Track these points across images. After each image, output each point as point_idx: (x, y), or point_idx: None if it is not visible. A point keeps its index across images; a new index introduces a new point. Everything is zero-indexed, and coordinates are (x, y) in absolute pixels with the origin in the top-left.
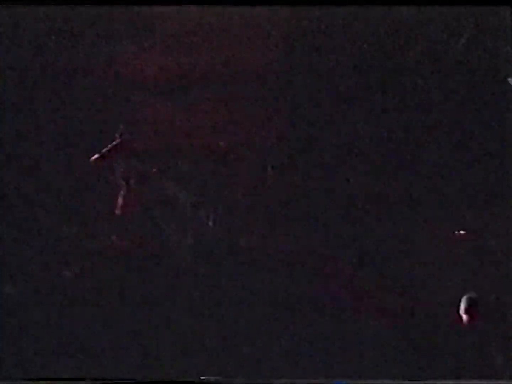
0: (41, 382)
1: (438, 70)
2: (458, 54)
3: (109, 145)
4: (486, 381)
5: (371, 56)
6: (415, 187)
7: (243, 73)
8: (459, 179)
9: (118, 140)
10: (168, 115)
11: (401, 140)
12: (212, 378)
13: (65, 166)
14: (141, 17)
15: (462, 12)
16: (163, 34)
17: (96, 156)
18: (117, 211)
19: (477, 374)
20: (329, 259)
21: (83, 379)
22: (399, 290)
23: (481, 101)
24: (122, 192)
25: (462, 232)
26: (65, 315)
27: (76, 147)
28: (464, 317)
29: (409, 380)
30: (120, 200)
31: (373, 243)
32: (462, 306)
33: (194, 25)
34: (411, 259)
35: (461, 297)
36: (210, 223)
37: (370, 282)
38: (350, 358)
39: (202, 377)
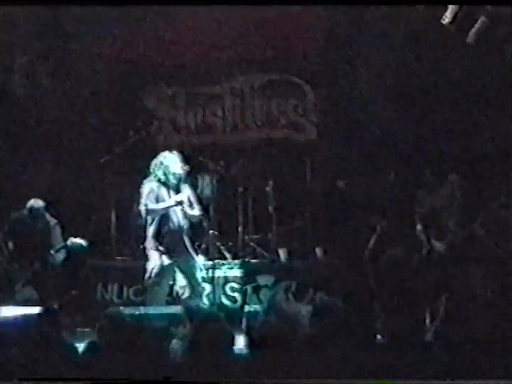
0: (41, 382)
1: (438, 70)
2: (458, 54)
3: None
4: (486, 381)
5: (370, 56)
6: None
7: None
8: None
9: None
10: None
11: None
12: (212, 378)
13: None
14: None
15: (462, 12)
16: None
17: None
18: None
19: (477, 374)
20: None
21: (83, 379)
22: (399, 291)
23: (482, 100)
24: None
25: None
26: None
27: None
28: None
29: (410, 380)
30: None
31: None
32: None
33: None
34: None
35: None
36: None
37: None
38: (351, 358)
39: (201, 378)
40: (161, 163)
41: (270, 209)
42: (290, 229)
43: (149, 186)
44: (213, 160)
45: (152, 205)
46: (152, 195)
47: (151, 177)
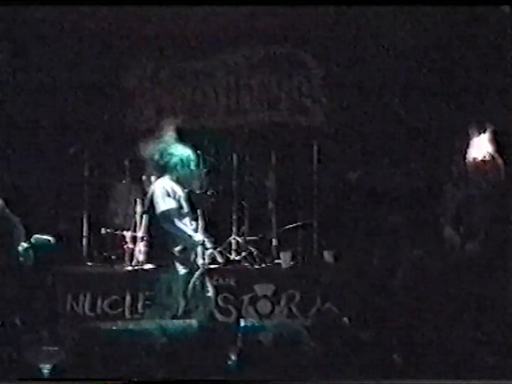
0: (41, 382)
1: (438, 69)
2: (459, 53)
3: None
4: (486, 381)
5: (370, 56)
6: None
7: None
8: None
9: None
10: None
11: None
12: (212, 378)
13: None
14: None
15: (462, 12)
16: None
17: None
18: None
19: (478, 374)
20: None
21: (83, 379)
22: (399, 292)
23: (481, 99)
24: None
25: None
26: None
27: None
28: None
29: (410, 379)
30: None
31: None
32: None
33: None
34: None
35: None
36: None
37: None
38: (351, 358)
39: (200, 377)
40: (181, 160)
41: (270, 205)
42: (293, 229)
43: (161, 186)
44: (203, 149)
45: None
46: (166, 195)
47: (167, 176)
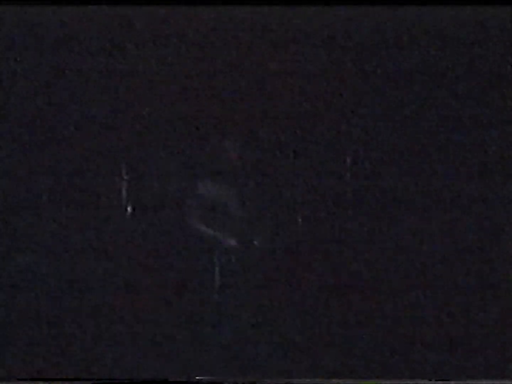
0: (41, 382)
1: (438, 69)
2: (459, 53)
3: None
4: (486, 381)
5: (371, 56)
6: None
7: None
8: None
9: None
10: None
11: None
12: (208, 378)
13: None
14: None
15: (462, 12)
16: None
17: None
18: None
19: (477, 374)
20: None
21: (83, 379)
22: (400, 291)
23: (481, 99)
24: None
25: None
26: (66, 316)
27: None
28: None
29: (410, 380)
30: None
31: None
32: None
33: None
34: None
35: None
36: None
37: (371, 283)
38: (351, 358)
39: (197, 377)
40: None
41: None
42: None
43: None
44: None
45: None
46: None
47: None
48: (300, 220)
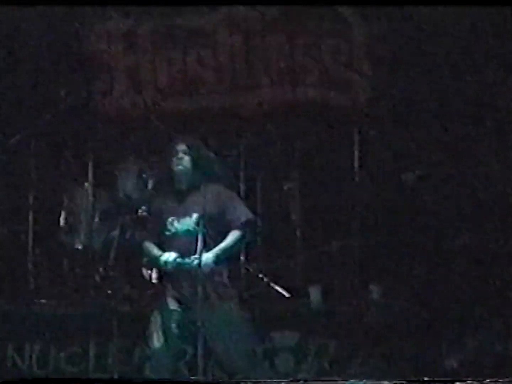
0: (41, 382)
1: (438, 69)
2: (459, 53)
3: None
4: (486, 381)
5: (371, 56)
6: None
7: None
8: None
9: None
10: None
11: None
12: (208, 378)
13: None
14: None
15: (462, 12)
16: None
17: None
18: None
19: (477, 374)
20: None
21: (84, 379)
22: (399, 292)
23: (481, 100)
24: None
25: None
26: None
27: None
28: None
29: (408, 380)
30: None
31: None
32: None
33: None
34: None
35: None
36: None
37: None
38: (351, 358)
39: (194, 377)
40: None
41: (294, 218)
42: (325, 252)
43: None
44: (197, 138)
45: None
46: None
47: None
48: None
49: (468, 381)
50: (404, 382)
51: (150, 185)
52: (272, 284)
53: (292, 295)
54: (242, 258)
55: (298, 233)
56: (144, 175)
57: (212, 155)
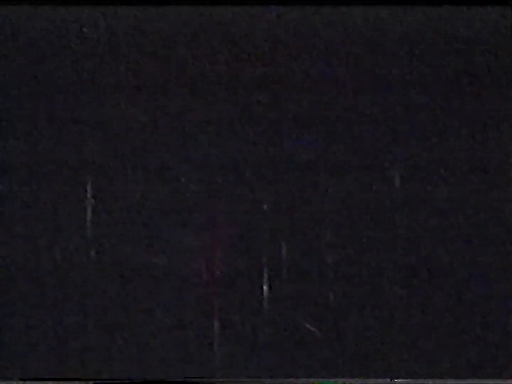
0: (41, 382)
1: (439, 69)
2: (458, 54)
3: None
4: (486, 380)
5: (370, 57)
6: None
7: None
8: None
9: None
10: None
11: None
12: (211, 379)
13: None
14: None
15: (462, 12)
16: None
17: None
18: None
19: (477, 374)
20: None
21: (83, 379)
22: (399, 291)
23: (481, 100)
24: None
25: None
26: (64, 316)
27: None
28: None
29: (409, 379)
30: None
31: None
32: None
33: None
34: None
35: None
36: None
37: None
38: (351, 358)
39: (198, 377)
40: None
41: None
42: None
43: None
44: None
45: None
46: None
47: None
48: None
49: (468, 381)
50: (403, 381)
51: None
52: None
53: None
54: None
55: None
56: None
57: None
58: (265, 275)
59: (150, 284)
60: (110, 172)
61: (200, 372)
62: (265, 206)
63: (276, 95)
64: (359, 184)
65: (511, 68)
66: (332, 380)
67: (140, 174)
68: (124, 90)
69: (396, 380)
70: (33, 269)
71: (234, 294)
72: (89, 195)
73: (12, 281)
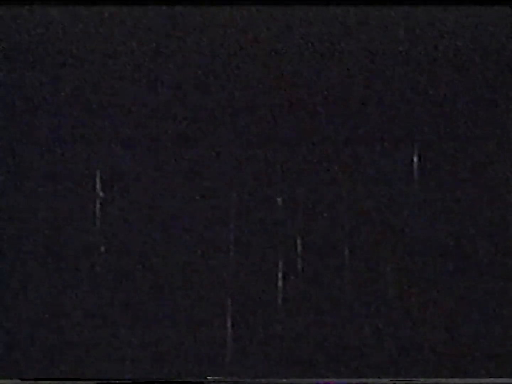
0: (41, 382)
1: (438, 69)
2: (458, 54)
3: None
4: (486, 380)
5: (368, 56)
6: None
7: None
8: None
9: None
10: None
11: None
12: (215, 378)
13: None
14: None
15: (462, 12)
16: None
17: None
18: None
19: (477, 374)
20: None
21: (83, 379)
22: (399, 291)
23: (481, 100)
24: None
25: None
26: (64, 316)
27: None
28: None
29: (409, 379)
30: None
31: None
32: None
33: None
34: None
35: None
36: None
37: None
38: (350, 358)
39: (208, 377)
40: None
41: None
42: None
43: None
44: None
45: None
46: None
47: None
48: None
49: (468, 381)
50: (402, 381)
51: None
52: None
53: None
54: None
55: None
56: None
57: None
58: (280, 273)
59: (159, 280)
60: (119, 165)
61: (210, 371)
62: (279, 201)
63: (288, 96)
64: (374, 183)
65: (511, 68)
66: (332, 380)
67: (151, 167)
68: (131, 83)
69: (396, 380)
70: (33, 268)
71: (247, 293)
72: (98, 189)
73: (12, 279)
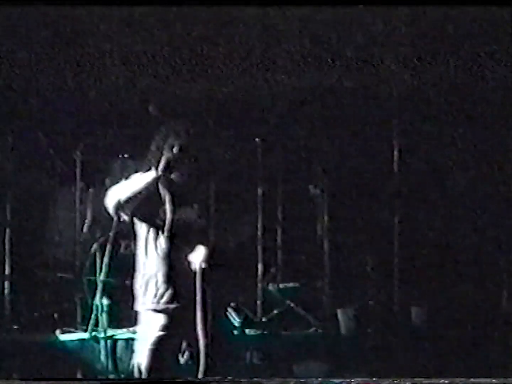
0: (40, 382)
1: (439, 68)
2: (458, 53)
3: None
4: (486, 380)
5: (367, 55)
6: None
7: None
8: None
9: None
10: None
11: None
12: (212, 378)
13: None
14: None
15: (462, 12)
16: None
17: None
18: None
19: (477, 374)
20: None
21: (84, 379)
22: (399, 291)
23: (481, 99)
24: None
25: None
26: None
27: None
28: None
29: (409, 379)
30: None
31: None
32: None
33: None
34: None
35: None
36: None
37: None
38: (350, 358)
39: (205, 377)
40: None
41: (320, 230)
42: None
43: None
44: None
45: None
46: None
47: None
48: None
49: (468, 381)
50: (402, 381)
51: None
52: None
53: (319, 321)
54: (258, 275)
55: (326, 247)
56: None
57: None
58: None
59: None
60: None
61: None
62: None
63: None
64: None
65: (511, 68)
66: (333, 380)
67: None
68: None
69: (396, 380)
70: (33, 266)
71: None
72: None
73: (13, 279)
